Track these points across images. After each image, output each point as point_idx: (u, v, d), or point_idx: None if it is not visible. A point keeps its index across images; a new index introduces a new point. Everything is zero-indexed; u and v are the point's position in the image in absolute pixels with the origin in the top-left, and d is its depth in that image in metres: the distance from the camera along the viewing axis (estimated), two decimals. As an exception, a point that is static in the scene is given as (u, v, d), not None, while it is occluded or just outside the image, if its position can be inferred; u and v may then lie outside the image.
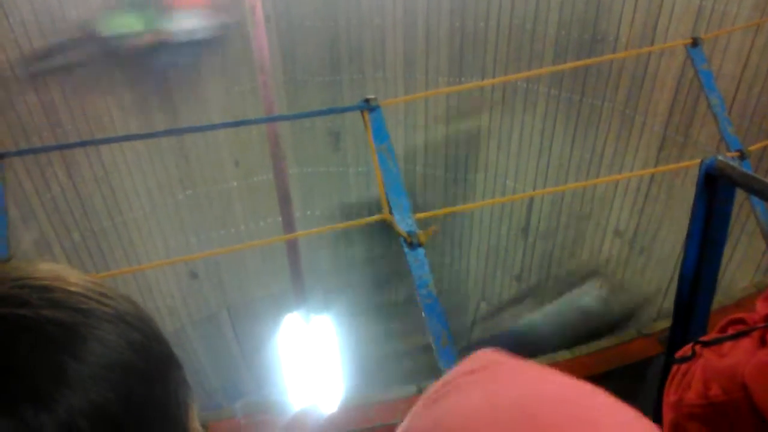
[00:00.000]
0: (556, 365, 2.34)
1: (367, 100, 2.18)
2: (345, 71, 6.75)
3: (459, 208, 6.80)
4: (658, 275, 5.58)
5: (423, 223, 2.46)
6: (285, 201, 5.40)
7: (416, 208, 2.26)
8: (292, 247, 5.56)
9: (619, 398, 0.59)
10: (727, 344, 1.31)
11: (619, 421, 0.54)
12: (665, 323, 2.42)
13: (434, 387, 0.60)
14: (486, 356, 0.62)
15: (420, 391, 1.93)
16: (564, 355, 2.34)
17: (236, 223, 7.12)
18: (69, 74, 5.56)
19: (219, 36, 5.91)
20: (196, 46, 5.83)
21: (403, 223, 2.02)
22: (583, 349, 2.38)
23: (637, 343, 2.44)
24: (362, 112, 2.17)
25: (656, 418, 1.45)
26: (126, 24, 5.41)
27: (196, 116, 6.42)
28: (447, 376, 0.61)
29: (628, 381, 2.53)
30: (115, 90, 6.07)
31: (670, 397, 1.36)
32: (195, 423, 0.61)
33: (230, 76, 6.54)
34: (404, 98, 6.35)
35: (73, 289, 0.53)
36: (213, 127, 4.25)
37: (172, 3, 5.59)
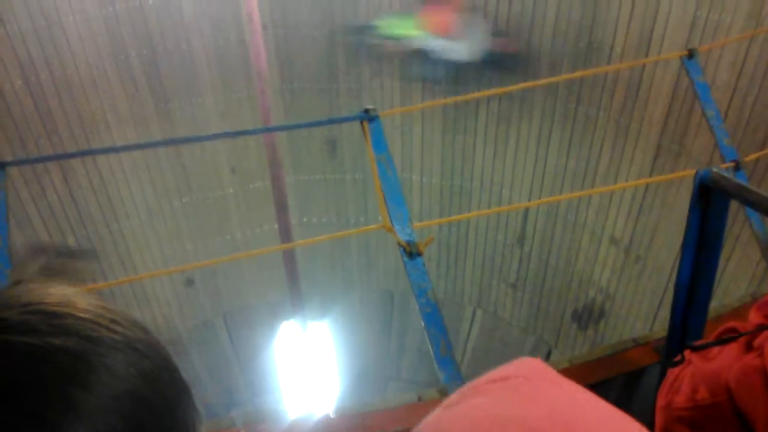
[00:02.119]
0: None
1: (366, 111, 2.19)
2: (342, 79, 6.78)
3: (456, 218, 6.81)
4: (653, 283, 5.60)
5: (419, 232, 2.48)
6: (282, 208, 5.41)
7: (412, 217, 2.28)
8: (289, 255, 5.56)
9: (616, 406, 0.59)
10: (715, 349, 1.33)
11: None
12: (661, 332, 2.44)
13: (461, 389, 0.60)
14: (519, 366, 0.61)
15: (420, 400, 1.94)
16: (562, 363, 2.34)
17: (233, 231, 7.11)
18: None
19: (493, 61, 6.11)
20: (448, 65, 6.16)
21: (403, 233, 2.03)
22: (579, 358, 2.39)
23: (634, 352, 2.45)
24: (361, 122, 2.19)
25: (653, 425, 1.46)
26: (400, 27, 5.98)
27: (193, 123, 6.43)
28: (474, 381, 0.61)
29: (625, 389, 2.54)
30: (111, 97, 6.08)
31: (660, 401, 1.38)
32: None
33: (227, 83, 6.56)
34: (402, 109, 6.37)
35: (82, 315, 0.52)
36: (210, 137, 4.25)
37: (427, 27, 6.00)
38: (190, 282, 6.98)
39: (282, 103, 6.71)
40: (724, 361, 1.26)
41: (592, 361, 2.34)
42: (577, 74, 4.58)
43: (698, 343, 1.41)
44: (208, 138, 3.80)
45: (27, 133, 5.61)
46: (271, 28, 6.33)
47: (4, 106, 5.42)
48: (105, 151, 4.88)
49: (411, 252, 1.98)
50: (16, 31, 5.40)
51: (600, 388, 2.34)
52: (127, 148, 5.80)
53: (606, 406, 0.57)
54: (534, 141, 6.30)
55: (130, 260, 6.46)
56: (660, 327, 4.27)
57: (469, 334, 7.38)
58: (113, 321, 0.54)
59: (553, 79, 5.45)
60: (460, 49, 5.96)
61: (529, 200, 6.40)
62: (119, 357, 0.51)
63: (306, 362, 6.28)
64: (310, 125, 5.78)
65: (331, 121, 5.41)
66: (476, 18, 5.95)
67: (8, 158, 5.12)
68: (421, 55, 6.12)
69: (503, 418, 0.54)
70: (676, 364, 1.41)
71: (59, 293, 0.54)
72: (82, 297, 0.55)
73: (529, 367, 0.61)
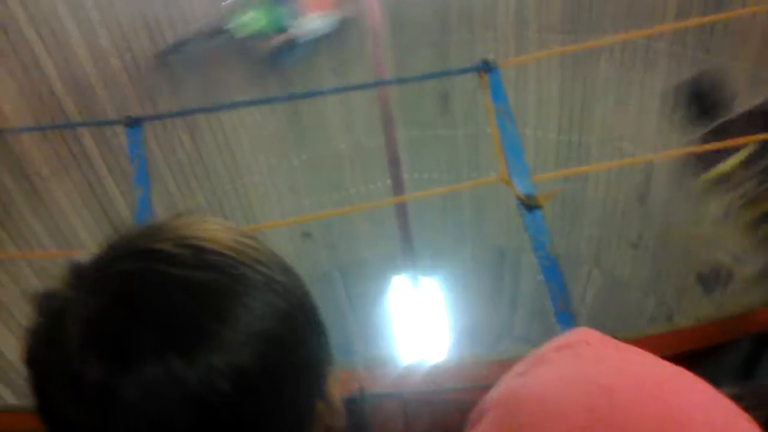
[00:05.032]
0: (679, 332, 2.27)
1: (485, 61, 2.15)
2: (454, 32, 6.66)
3: (575, 170, 6.57)
4: (790, 244, 5.21)
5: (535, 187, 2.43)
6: (394, 164, 5.46)
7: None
8: (401, 210, 5.62)
9: (743, 372, 0.58)
10: None
11: (704, 408, 0.52)
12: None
13: (525, 359, 0.61)
14: (579, 334, 0.63)
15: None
16: (686, 322, 2.26)
17: (347, 186, 7.28)
18: (197, 66, 5.93)
19: (338, 30, 6.18)
20: (315, 43, 6.10)
21: (522, 185, 2.01)
22: (707, 318, 2.28)
23: (766, 312, 2.31)
24: (479, 73, 2.15)
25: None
26: (255, 22, 5.67)
27: (308, 81, 6.57)
28: (537, 350, 0.62)
29: (753, 351, 2.41)
30: (233, 63, 6.33)
31: None
32: (332, 389, 0.63)
33: (340, 40, 6.63)
34: (522, 58, 6.11)
35: (228, 252, 0.55)
36: (325, 92, 4.34)
37: (303, 9, 5.84)
38: (307, 235, 7.25)
39: (393, 57, 6.69)
40: None
41: (721, 320, 2.23)
42: (708, 19, 4.23)
43: None
44: (322, 93, 3.88)
45: (157, 92, 5.96)
46: (383, -18, 6.31)
47: (135, 67, 5.78)
48: (226, 107, 5.12)
49: (530, 205, 1.95)
50: (151, 16, 5.73)
51: (727, 348, 2.23)
52: (245, 103, 6.03)
53: (672, 366, 0.57)
54: (659, 92, 5.95)
55: (252, 214, 6.78)
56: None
57: (584, 294, 7.21)
58: (257, 261, 0.57)
59: (679, 25, 5.10)
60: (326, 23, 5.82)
61: (654, 154, 6.09)
62: (257, 296, 0.54)
63: (417, 317, 6.39)
64: (425, 78, 5.73)
65: (448, 73, 5.32)
66: None
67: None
68: (293, 44, 5.86)
69: (575, 377, 0.55)
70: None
71: (213, 228, 0.58)
72: (234, 234, 0.58)
73: (588, 334, 0.62)
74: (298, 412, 0.58)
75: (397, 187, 5.55)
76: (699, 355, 2.24)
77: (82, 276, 0.55)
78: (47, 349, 0.53)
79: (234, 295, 0.53)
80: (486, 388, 0.64)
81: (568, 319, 1.78)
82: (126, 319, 0.50)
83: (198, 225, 0.58)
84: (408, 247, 5.77)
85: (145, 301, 0.51)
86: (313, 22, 5.80)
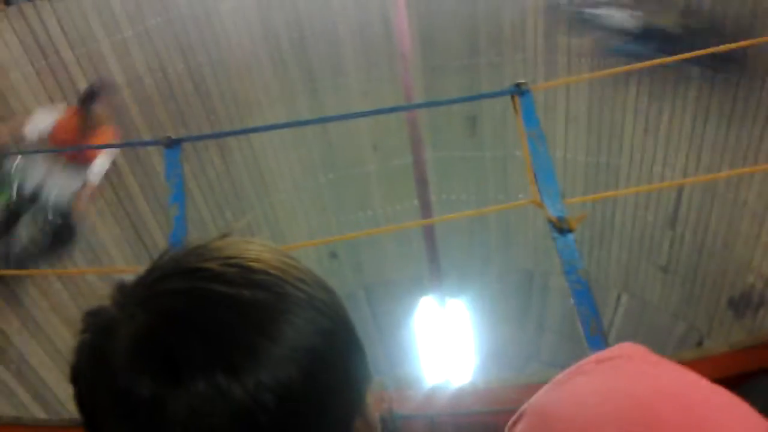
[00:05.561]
0: (711, 359, 2.23)
1: (517, 85, 2.16)
2: (483, 54, 6.69)
3: (607, 194, 6.51)
4: (825, 270, 5.11)
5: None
6: (422, 185, 5.47)
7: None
8: (429, 231, 5.62)
9: None
10: None
11: (740, 425, 0.52)
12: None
13: (566, 371, 0.62)
14: (622, 348, 0.63)
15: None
16: (721, 347, 2.21)
17: (374, 206, 7.30)
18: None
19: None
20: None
21: (553, 208, 2.00)
22: (740, 344, 2.24)
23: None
24: (512, 96, 2.16)
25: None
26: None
27: (338, 102, 6.64)
28: (579, 362, 0.62)
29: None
30: (263, 78, 6.42)
31: None
32: (370, 407, 0.64)
33: (371, 63, 6.69)
34: (553, 83, 6.13)
35: (273, 272, 0.57)
36: (355, 115, 4.39)
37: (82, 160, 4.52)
38: (334, 255, 7.27)
39: (423, 80, 6.75)
40: None
41: (753, 347, 2.18)
42: (743, 44, 4.20)
43: None
44: (352, 116, 3.90)
45: (188, 113, 6.07)
46: (414, 6, 6.37)
47: (168, 88, 5.90)
48: (259, 129, 5.18)
49: (562, 228, 1.94)
50: (177, 18, 5.83)
51: (760, 375, 2.18)
52: (277, 126, 6.11)
53: (710, 384, 0.57)
54: (690, 115, 5.89)
55: (279, 231, 6.84)
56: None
57: (613, 318, 7.11)
58: (300, 280, 0.58)
59: (710, 50, 5.05)
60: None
61: (684, 178, 6.02)
62: (301, 313, 0.55)
63: (444, 338, 6.36)
64: (456, 101, 5.72)
65: (480, 97, 5.33)
66: None
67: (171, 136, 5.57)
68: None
69: (609, 390, 0.55)
70: None
71: (257, 249, 0.60)
72: (277, 254, 0.60)
73: (631, 349, 0.62)
74: (338, 430, 0.59)
75: (425, 207, 5.56)
76: (731, 381, 2.19)
77: (129, 294, 0.56)
78: (94, 366, 0.54)
79: (279, 312, 0.54)
80: (513, 411, 0.64)
81: (599, 343, 1.76)
82: (175, 336, 0.52)
83: (243, 245, 0.60)
84: (435, 268, 5.75)
85: (193, 318, 0.53)
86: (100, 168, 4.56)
